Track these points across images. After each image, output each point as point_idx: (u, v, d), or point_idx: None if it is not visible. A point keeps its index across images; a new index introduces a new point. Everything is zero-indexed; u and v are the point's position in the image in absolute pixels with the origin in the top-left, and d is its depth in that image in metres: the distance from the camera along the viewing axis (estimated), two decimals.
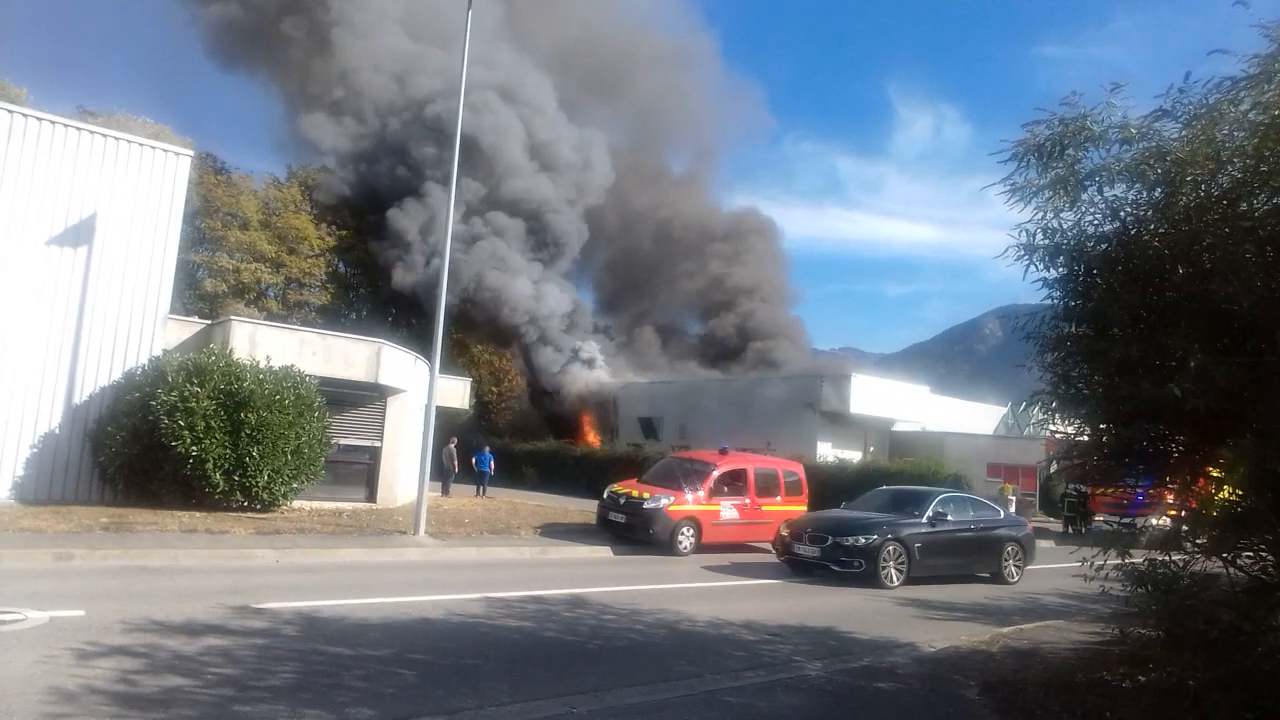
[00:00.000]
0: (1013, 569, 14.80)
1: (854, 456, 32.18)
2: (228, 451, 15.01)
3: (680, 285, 52.28)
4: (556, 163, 44.83)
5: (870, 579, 12.86)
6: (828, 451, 31.99)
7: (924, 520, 13.88)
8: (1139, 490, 7.87)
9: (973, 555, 14.55)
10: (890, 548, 13.10)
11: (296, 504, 16.69)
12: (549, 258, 44.72)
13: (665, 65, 57.47)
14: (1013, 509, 29.29)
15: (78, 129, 16.17)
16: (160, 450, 14.82)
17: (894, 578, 13.03)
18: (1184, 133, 5.61)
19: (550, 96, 46.10)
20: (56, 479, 15.34)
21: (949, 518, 14.16)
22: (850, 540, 13.14)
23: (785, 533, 14.27)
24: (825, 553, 13.23)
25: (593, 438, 42.09)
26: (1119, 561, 6.32)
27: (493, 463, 28.22)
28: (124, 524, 12.97)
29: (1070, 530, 26.43)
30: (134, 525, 12.99)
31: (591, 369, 43.35)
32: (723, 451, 18.58)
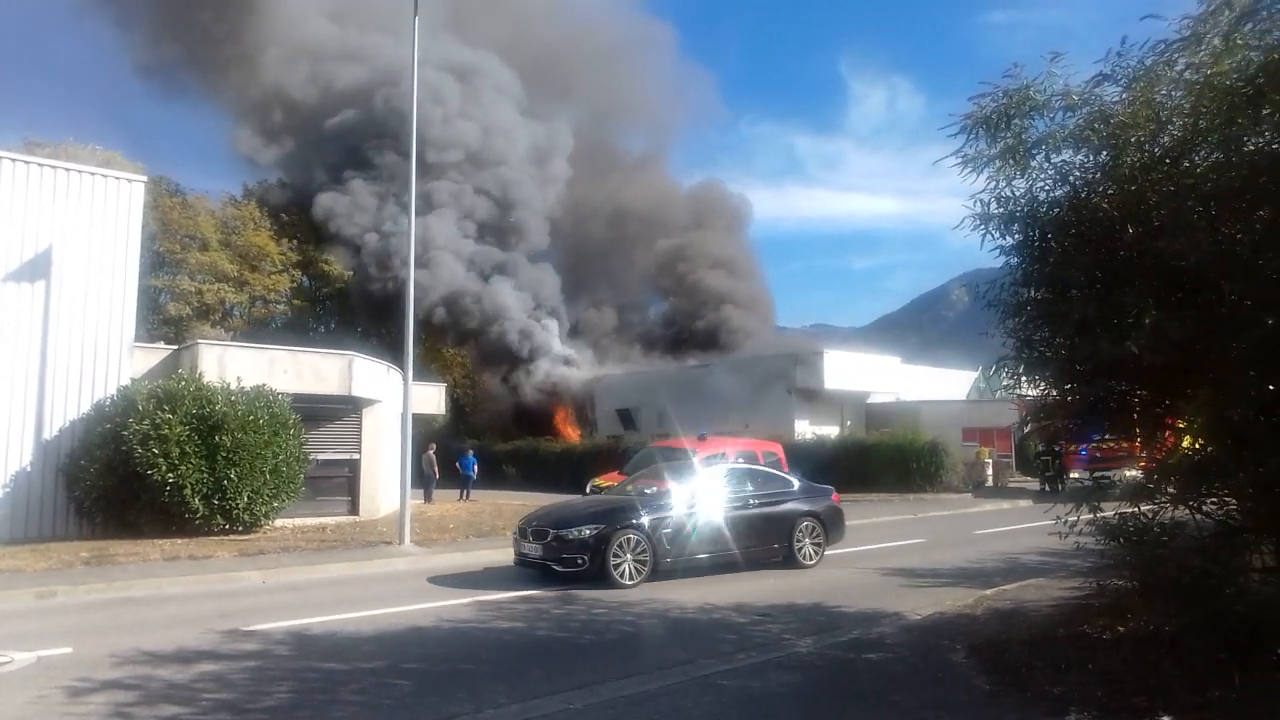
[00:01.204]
0: (809, 549, 12.74)
1: (832, 431, 32.49)
2: (205, 476, 14.90)
3: (638, 269, 52.31)
4: (512, 167, 44.64)
5: (598, 578, 10.85)
6: (806, 429, 32.26)
7: (676, 502, 11.90)
8: (1108, 445, 8.05)
9: (750, 537, 12.26)
10: (626, 538, 11.09)
11: (279, 523, 16.60)
12: (507, 249, 44.38)
13: (613, 57, 57.35)
14: (989, 471, 29.87)
15: (26, 163, 15.91)
16: (136, 480, 14.68)
17: (631, 574, 10.99)
18: (1124, 95, 5.75)
19: (508, 100, 45.80)
20: (32, 517, 15.15)
21: (708, 497, 12.16)
22: (573, 533, 11.11)
23: (516, 530, 12.31)
24: (547, 550, 11.22)
25: (571, 432, 42.11)
26: (1090, 517, 6.48)
27: (475, 466, 28.19)
28: (105, 557, 12.84)
29: (1047, 489, 26.87)
30: (115, 557, 12.87)
31: (563, 364, 43.31)
32: (701, 438, 18.72)
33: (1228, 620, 5.59)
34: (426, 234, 39.56)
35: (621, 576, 10.95)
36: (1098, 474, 8.33)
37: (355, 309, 43.88)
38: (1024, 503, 24.52)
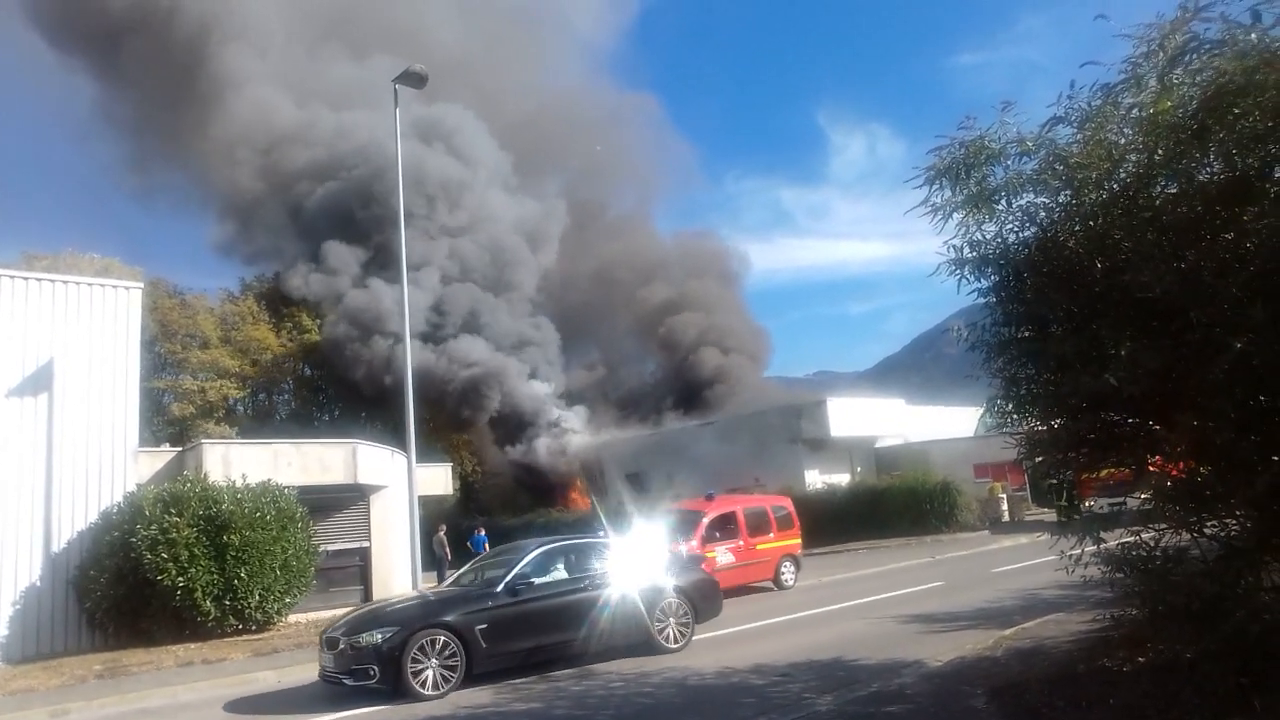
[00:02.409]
0: (673, 630, 11.19)
1: (842, 479, 32.33)
2: (215, 577, 14.85)
3: (626, 327, 52.57)
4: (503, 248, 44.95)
5: (393, 691, 9.36)
6: (816, 479, 32.11)
7: (498, 591, 10.32)
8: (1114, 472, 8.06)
9: (598, 621, 10.73)
10: (430, 640, 9.52)
11: (292, 619, 16.46)
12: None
13: (593, 128, 58.38)
14: (1004, 507, 29.59)
15: (25, 278, 16.22)
16: (146, 586, 14.64)
17: (437, 682, 9.43)
18: (1078, 136, 5.95)
19: (498, 180, 46.45)
20: (44, 633, 15.06)
21: (537, 581, 10.61)
22: (363, 639, 9.55)
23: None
24: (339, 661, 9.70)
25: (582, 500, 41.90)
26: (1094, 548, 6.49)
27: (487, 543, 27.99)
28: (118, 668, 12.73)
29: (1066, 519, 26.61)
30: (128, 668, 12.76)
31: (567, 435, 43.22)
32: (709, 498, 18.67)
33: (1244, 644, 5.56)
34: (416, 312, 39.77)
35: (423, 687, 9.38)
36: (1110, 502, 8.31)
37: (362, 393, 43.76)
38: (1042, 536, 24.24)
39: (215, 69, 42.58)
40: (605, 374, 52.70)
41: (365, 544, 19.28)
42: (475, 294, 42.89)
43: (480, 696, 9.37)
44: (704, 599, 11.94)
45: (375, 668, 9.38)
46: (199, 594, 14.63)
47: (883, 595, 15.05)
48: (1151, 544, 6.17)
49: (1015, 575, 16.28)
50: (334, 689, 9.94)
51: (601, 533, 14.61)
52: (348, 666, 9.59)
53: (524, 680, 10.07)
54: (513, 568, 10.73)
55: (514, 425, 42.55)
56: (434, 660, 9.53)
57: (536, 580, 10.68)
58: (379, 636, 9.53)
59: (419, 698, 9.27)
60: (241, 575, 14.97)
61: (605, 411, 48.55)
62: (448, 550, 26.01)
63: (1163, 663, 6.54)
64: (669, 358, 50.07)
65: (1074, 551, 6.42)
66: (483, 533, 28.14)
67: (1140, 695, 6.13)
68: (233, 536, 14.95)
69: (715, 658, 10.36)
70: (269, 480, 16.35)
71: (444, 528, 26.62)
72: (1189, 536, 6.26)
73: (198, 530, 14.82)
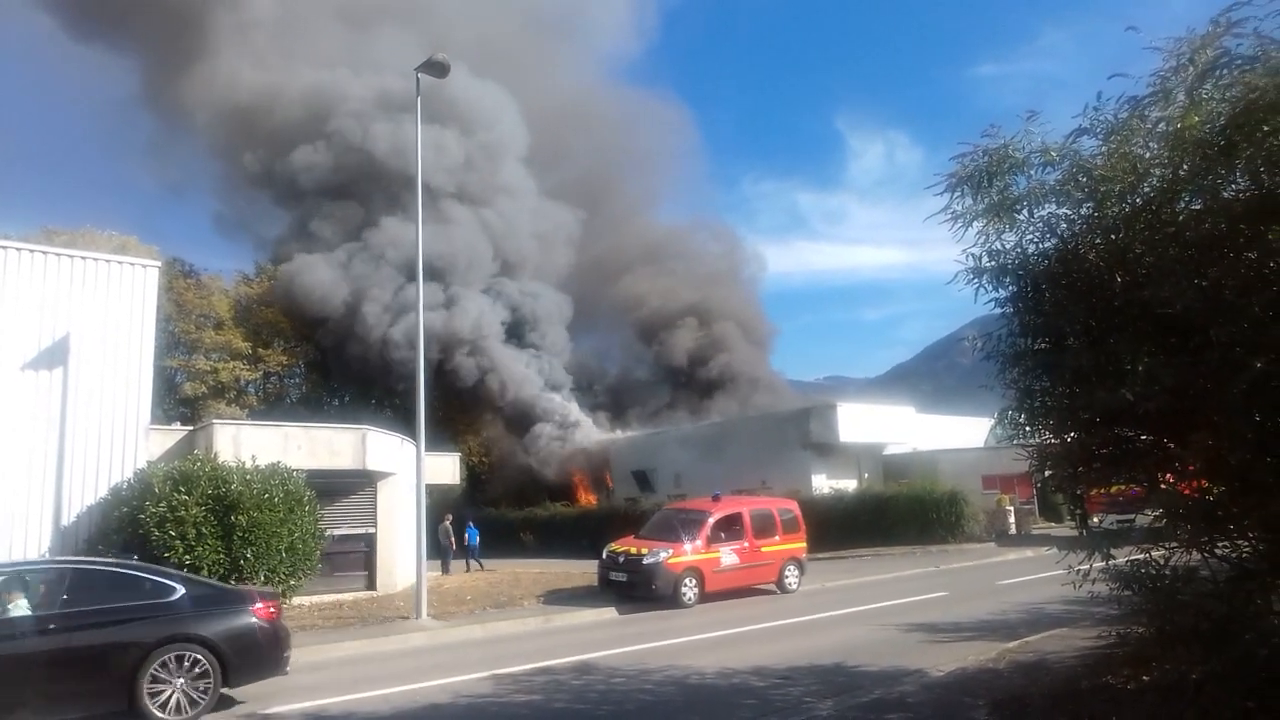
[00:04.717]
0: (179, 696, 8.22)
1: (849, 485, 32.19)
2: (221, 556, 14.90)
3: (623, 317, 52.60)
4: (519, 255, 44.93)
5: None
6: (823, 483, 31.99)
7: None
8: (1132, 489, 8.00)
9: (31, 681, 7.75)
10: None
11: (296, 601, 16.51)
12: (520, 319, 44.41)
13: (609, 128, 58.26)
14: (1012, 519, 29.42)
15: (44, 253, 16.31)
16: (153, 563, 14.69)
17: None
18: (1103, 148, 5.89)
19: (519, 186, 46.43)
20: None
21: None
22: None
23: None
24: None
25: (588, 496, 41.89)
26: (1103, 564, 6.43)
27: (478, 535, 27.94)
28: None
29: (1081, 533, 26.46)
30: None
31: (576, 430, 43.18)
32: (715, 498, 18.65)
33: (1251, 667, 5.51)
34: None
35: None
36: (1119, 518, 8.26)
37: (374, 378, 43.71)
38: (1049, 550, 24.15)
39: (218, 52, 42.90)
40: (600, 364, 52.92)
41: (371, 530, 19.37)
42: (476, 252, 42.65)
43: (479, 687, 9.36)
44: (242, 653, 8.73)
45: None
46: (205, 572, 14.65)
47: (886, 603, 14.99)
48: (1161, 562, 6.13)
49: (1020, 588, 16.19)
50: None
51: (113, 557, 11.42)
52: None
53: (523, 671, 10.09)
54: None
55: (522, 416, 42.57)
56: None
57: None
58: None
59: None
60: (248, 556, 15.02)
61: (603, 400, 48.65)
62: (452, 540, 26.06)
63: (1168, 683, 6.48)
64: (650, 336, 49.95)
65: (1082, 567, 6.35)
66: (472, 525, 28.05)
67: (1143, 714, 6.08)
68: (240, 517, 15.00)
69: (716, 658, 10.36)
70: (278, 462, 16.41)
71: (449, 517, 26.65)
72: (1199, 556, 6.22)
73: (206, 509, 14.88)
